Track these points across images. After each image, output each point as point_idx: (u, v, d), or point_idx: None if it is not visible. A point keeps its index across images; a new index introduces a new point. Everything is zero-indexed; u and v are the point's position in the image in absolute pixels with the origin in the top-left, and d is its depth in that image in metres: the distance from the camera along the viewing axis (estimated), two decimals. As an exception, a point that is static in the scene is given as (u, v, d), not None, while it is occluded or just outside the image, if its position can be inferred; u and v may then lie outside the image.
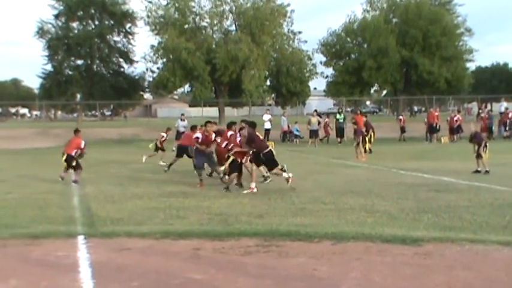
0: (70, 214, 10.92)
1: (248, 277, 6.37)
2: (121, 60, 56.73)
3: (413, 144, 33.94)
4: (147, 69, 52.77)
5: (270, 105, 59.41)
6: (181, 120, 34.91)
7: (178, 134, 29.99)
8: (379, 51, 51.40)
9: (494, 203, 11.18)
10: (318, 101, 74.94)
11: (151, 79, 52.86)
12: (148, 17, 49.01)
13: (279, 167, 14.34)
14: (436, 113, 36.69)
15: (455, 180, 15.12)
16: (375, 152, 25.38)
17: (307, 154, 26.96)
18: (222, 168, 15.10)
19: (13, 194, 14.11)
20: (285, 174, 13.97)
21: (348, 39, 56.90)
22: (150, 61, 50.39)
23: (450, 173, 16.55)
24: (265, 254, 7.31)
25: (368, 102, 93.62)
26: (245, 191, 13.41)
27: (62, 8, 53.07)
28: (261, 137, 14.68)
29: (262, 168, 14.78)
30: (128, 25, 55.34)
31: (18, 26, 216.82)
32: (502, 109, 39.46)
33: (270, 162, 14.09)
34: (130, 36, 55.89)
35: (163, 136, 23.12)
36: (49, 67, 55.00)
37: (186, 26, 48.85)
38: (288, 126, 39.05)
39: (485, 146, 16.90)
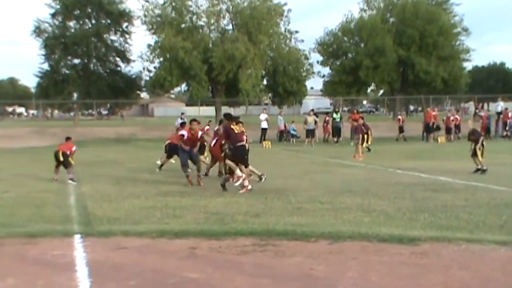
0: (67, 213, 10.91)
1: (245, 276, 6.37)
2: (118, 59, 56.63)
3: (410, 143, 33.98)
4: (143, 69, 52.68)
5: (266, 104, 59.31)
6: (181, 119, 34.92)
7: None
8: (376, 51, 51.45)
9: (491, 203, 11.20)
10: (314, 100, 74.91)
11: (148, 78, 52.78)
12: (145, 16, 48.94)
13: (249, 169, 14.16)
14: (434, 113, 36.76)
15: (452, 180, 15.14)
16: (372, 151, 25.40)
17: (303, 153, 26.96)
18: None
19: (10, 193, 14.10)
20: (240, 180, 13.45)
21: (345, 38, 56.95)
22: (146, 60, 50.35)
23: (447, 173, 16.58)
24: (261, 254, 7.30)
25: (365, 102, 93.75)
26: (241, 191, 13.36)
27: (58, 7, 52.94)
28: (239, 131, 13.89)
29: (251, 168, 14.74)
30: (125, 24, 55.23)
31: (15, 25, 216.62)
32: (499, 109, 39.52)
33: (240, 157, 13.73)
34: (127, 36, 55.81)
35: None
36: (46, 66, 54.95)
37: (183, 25, 48.76)
38: (285, 126, 39.05)
39: (482, 144, 16.90)
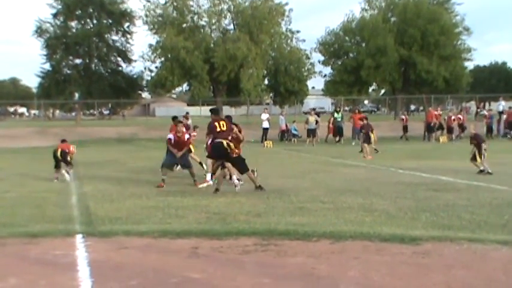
0: (68, 213, 10.91)
1: (246, 276, 6.37)
2: (119, 59, 56.62)
3: (411, 143, 33.97)
4: (145, 68, 52.83)
5: (268, 104, 59.36)
6: (185, 118, 34.99)
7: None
8: (378, 50, 51.40)
9: (493, 202, 11.19)
10: (316, 100, 74.94)
11: (149, 78, 52.83)
12: (146, 16, 49.04)
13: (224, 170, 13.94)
14: (437, 112, 36.73)
15: (453, 180, 15.13)
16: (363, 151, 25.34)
17: (305, 153, 26.95)
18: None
19: (11, 192, 14.12)
20: (208, 178, 13.27)
21: (346, 38, 56.90)
22: (148, 60, 50.48)
23: (449, 172, 16.56)
24: (263, 253, 7.30)
25: (366, 102, 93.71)
26: (200, 185, 13.20)
27: (60, 7, 52.95)
28: (222, 128, 13.39)
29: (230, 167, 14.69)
30: (126, 24, 55.23)
31: (16, 25, 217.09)
32: (500, 108, 39.51)
33: (214, 155, 13.53)
34: (128, 35, 55.80)
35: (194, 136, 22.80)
36: (47, 66, 54.95)
37: (185, 25, 48.82)
38: (286, 126, 39.04)
39: (484, 149, 16.83)
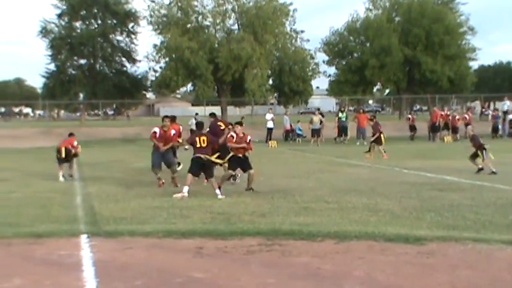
0: (73, 213, 10.94)
1: (251, 276, 6.37)
2: (124, 59, 56.61)
3: (416, 143, 33.93)
4: (149, 69, 52.70)
5: (272, 104, 59.30)
6: (194, 119, 35.41)
7: (192, 133, 30.02)
8: (382, 50, 51.33)
9: (497, 202, 11.17)
10: (320, 100, 74.90)
11: (154, 78, 52.78)
12: (151, 16, 48.97)
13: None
14: (443, 112, 36.66)
15: (458, 179, 15.11)
16: (374, 151, 25.31)
17: (309, 153, 26.93)
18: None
19: (16, 193, 14.15)
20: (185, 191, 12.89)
21: (351, 38, 56.84)
22: (152, 60, 50.37)
23: (453, 172, 16.53)
24: (268, 253, 7.31)
25: (371, 101, 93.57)
26: (175, 195, 12.76)
27: (65, 7, 52.99)
28: (206, 143, 13.22)
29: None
30: (131, 24, 55.21)
31: (21, 25, 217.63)
32: (505, 108, 39.41)
33: (196, 168, 13.23)
34: (133, 36, 55.78)
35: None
36: (52, 66, 54.97)
37: (189, 25, 48.78)
38: (291, 125, 39.04)
39: (484, 149, 16.83)
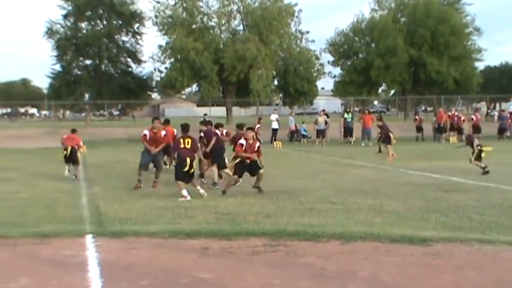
0: (79, 213, 10.97)
1: (256, 276, 6.38)
2: (129, 60, 56.65)
3: (420, 144, 33.86)
4: (155, 69, 52.75)
5: (277, 104, 59.32)
6: (203, 119, 35.28)
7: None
8: (387, 51, 51.23)
9: (503, 203, 11.14)
10: (325, 100, 74.82)
11: (159, 79, 52.85)
12: (156, 17, 49.02)
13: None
14: (451, 113, 36.60)
15: (463, 180, 15.08)
16: (383, 151, 25.31)
17: (314, 154, 26.92)
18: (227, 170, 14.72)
19: (22, 193, 14.20)
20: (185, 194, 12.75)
21: (356, 38, 56.73)
22: (158, 61, 50.42)
23: (459, 173, 16.50)
24: (273, 254, 7.31)
25: (376, 102, 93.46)
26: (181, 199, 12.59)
27: (70, 8, 53.06)
28: (191, 145, 13.15)
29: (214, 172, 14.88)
30: (136, 25, 55.24)
31: (27, 26, 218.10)
32: (511, 108, 39.31)
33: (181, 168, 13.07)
34: (138, 36, 55.81)
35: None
36: (58, 67, 55.03)
37: (194, 26, 48.81)
38: (296, 126, 39.02)
39: (478, 145, 16.85)
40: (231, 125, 35.24)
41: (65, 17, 53.54)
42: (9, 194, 14.05)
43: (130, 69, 56.91)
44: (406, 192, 13.02)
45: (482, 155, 16.69)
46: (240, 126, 16.36)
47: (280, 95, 57.14)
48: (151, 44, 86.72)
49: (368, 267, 6.62)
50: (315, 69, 54.65)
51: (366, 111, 37.88)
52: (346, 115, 36.47)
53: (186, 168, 12.76)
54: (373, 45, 54.58)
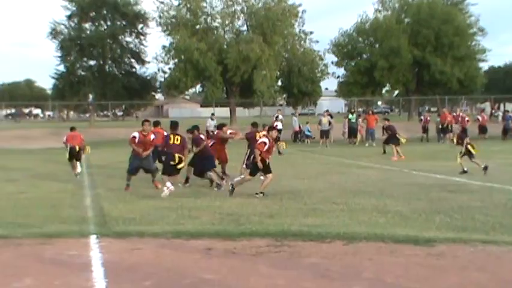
0: (82, 214, 10.98)
1: (260, 277, 6.38)
2: (133, 60, 56.74)
3: (425, 144, 33.81)
4: (158, 70, 52.80)
5: (281, 105, 59.27)
6: (211, 119, 35.54)
7: (208, 134, 29.99)
8: (391, 51, 51.19)
9: (507, 204, 11.12)
10: (329, 101, 74.80)
11: (162, 79, 52.90)
12: (160, 17, 49.10)
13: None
14: (455, 114, 36.54)
15: (467, 181, 15.05)
16: (387, 152, 25.28)
17: (318, 154, 26.91)
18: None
19: (26, 193, 14.22)
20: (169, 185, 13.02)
21: (360, 39, 56.72)
22: (161, 61, 50.50)
23: (462, 174, 16.45)
24: (276, 254, 7.31)
25: (379, 103, 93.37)
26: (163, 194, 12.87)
27: (74, 9, 53.16)
28: (180, 142, 13.47)
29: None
30: (140, 26, 55.34)
31: (31, 27, 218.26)
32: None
33: (168, 164, 13.32)
34: (142, 37, 55.91)
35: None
36: (62, 68, 55.17)
37: (198, 27, 48.85)
38: (299, 127, 39.00)
39: (467, 144, 16.92)
40: (234, 126, 35.31)
41: (69, 17, 53.65)
42: (13, 194, 14.08)
43: (134, 69, 57.02)
44: (410, 192, 13.00)
45: (472, 151, 16.76)
46: (254, 125, 16.88)
47: (284, 95, 57.13)
48: (155, 44, 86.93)
49: (372, 267, 6.62)
50: (319, 69, 54.64)
51: (370, 112, 37.84)
52: (350, 116, 36.42)
53: (175, 163, 12.93)
54: (377, 45, 54.59)
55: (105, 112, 73.17)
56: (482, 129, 36.47)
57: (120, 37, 55.02)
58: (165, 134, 15.97)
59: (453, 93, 53.52)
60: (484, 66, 61.41)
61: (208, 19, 49.70)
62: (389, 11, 56.23)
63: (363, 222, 9.48)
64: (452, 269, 6.55)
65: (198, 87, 54.94)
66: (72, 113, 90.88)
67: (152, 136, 15.03)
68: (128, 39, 56.03)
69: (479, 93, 59.92)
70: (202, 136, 15.79)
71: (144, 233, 8.66)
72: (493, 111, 59.37)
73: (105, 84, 53.91)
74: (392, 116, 73.45)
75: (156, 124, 17.13)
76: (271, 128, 14.29)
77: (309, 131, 38.38)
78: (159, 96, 69.37)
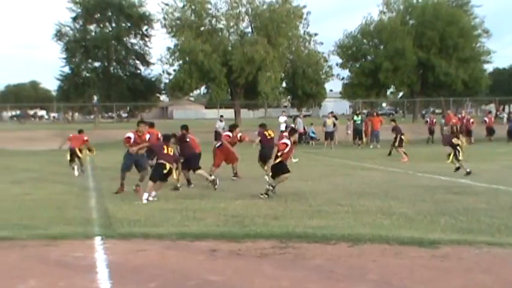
0: (87, 215, 10.99)
1: (264, 278, 6.37)
2: (138, 62, 56.92)
3: (429, 146, 33.73)
4: (163, 71, 52.89)
5: (285, 107, 59.30)
6: (220, 121, 35.63)
7: (217, 135, 30.01)
8: (396, 53, 51.17)
9: (513, 206, 11.09)
10: (333, 103, 74.78)
11: (167, 81, 52.98)
12: (164, 19, 49.18)
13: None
14: (460, 115, 36.49)
15: (472, 183, 15.01)
16: (392, 154, 25.24)
17: (323, 156, 26.88)
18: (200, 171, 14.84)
19: (31, 195, 14.23)
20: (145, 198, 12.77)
21: (364, 41, 56.76)
22: (166, 63, 50.59)
23: (467, 175, 16.42)
24: (281, 256, 7.31)
25: (384, 104, 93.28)
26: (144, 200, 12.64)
27: (79, 10, 53.34)
28: (173, 153, 13.43)
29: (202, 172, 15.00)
30: (145, 27, 55.50)
31: (36, 29, 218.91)
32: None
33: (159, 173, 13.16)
34: (146, 39, 56.07)
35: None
36: (67, 69, 55.40)
37: (203, 28, 48.91)
38: (304, 128, 38.95)
39: (455, 147, 16.96)
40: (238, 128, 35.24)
41: (74, 19, 53.84)
42: (18, 196, 14.09)
43: (138, 71, 57.20)
44: (415, 194, 12.97)
45: (460, 155, 16.79)
46: (262, 126, 17.62)
47: (289, 97, 57.14)
48: (159, 46, 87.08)
49: (376, 269, 6.61)
50: (323, 71, 54.65)
51: (375, 114, 37.79)
52: (355, 118, 36.37)
53: (165, 172, 12.92)
54: (381, 47, 54.61)
55: (109, 114, 73.31)
56: (490, 131, 36.40)
57: (125, 39, 55.17)
58: (159, 134, 16.08)
59: (458, 95, 53.46)
60: (489, 67, 61.43)
61: (213, 21, 49.77)
62: (394, 12, 56.22)
63: (367, 224, 9.47)
64: (457, 271, 6.54)
65: (203, 89, 55.08)
66: (77, 114, 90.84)
67: (147, 136, 15.08)
68: (133, 40, 56.24)
69: (483, 95, 59.87)
70: (191, 136, 15.72)
71: (149, 235, 8.67)
72: (498, 113, 59.25)
73: (110, 86, 54.04)
74: (397, 117, 73.45)
75: (151, 125, 17.23)
76: (294, 130, 14.37)
77: (313, 132, 38.34)
78: (163, 97, 69.47)
